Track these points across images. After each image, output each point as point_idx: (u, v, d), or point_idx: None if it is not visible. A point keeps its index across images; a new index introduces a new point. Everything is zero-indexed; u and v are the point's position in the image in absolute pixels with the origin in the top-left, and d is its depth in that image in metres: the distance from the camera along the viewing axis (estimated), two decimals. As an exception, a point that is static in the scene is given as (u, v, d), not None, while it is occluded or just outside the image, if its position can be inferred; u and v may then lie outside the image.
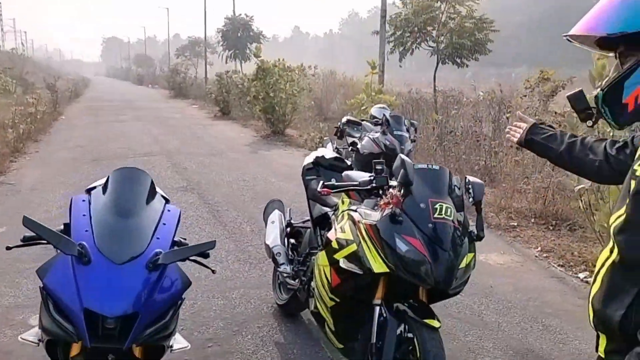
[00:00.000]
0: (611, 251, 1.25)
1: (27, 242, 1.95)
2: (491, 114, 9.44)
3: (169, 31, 51.84)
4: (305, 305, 3.08)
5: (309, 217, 3.25)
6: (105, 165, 8.38)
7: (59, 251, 1.84)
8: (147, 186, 2.00)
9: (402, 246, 2.14)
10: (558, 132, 1.95)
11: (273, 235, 3.32)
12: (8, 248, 1.94)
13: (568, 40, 1.42)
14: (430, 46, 13.39)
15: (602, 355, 1.27)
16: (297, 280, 3.08)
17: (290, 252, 3.32)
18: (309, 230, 3.26)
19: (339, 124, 6.69)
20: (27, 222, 1.74)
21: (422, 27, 12.93)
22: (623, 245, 1.20)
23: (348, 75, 20.55)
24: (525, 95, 8.59)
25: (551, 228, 5.71)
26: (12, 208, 6.09)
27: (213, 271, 2.11)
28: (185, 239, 2.08)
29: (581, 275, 4.52)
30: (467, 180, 2.37)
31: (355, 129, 6.58)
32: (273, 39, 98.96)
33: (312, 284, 2.77)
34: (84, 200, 1.94)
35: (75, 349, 1.82)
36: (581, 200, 4.69)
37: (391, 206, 2.23)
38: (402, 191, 2.24)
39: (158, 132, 12.93)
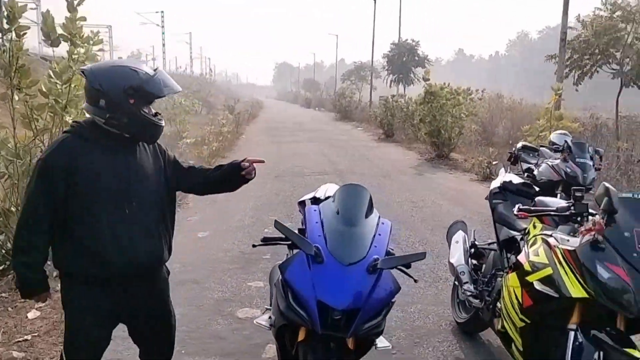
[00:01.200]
0: None
1: (266, 242, 2.39)
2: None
3: (337, 57, 54.50)
4: (486, 325, 3.19)
5: (491, 240, 3.36)
6: (287, 181, 9.22)
7: (293, 251, 2.23)
8: (367, 201, 2.32)
9: (604, 273, 2.18)
10: None
11: (457, 254, 3.48)
12: (254, 246, 2.39)
13: None
14: (613, 69, 12.47)
15: None
16: (480, 300, 3.20)
17: (473, 272, 3.45)
18: (492, 252, 3.37)
19: (514, 149, 6.61)
20: (278, 225, 2.15)
21: (604, 49, 12.11)
22: None
23: (516, 99, 19.81)
24: None
25: None
26: (211, 216, 7.00)
27: (415, 280, 2.36)
28: (393, 250, 2.36)
29: None
30: None
31: (531, 155, 6.45)
32: (436, 61, 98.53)
33: (499, 304, 2.88)
34: (315, 210, 2.31)
35: (302, 335, 2.17)
36: None
37: (592, 233, 2.28)
38: (605, 219, 2.28)
39: (328, 152, 13.75)
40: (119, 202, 2.14)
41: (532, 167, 6.24)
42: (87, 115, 2.20)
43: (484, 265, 3.48)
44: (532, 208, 2.60)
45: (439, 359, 3.37)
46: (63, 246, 2.15)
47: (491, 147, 13.75)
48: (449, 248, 3.67)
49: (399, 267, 2.27)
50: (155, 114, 2.24)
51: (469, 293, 3.26)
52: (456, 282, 3.59)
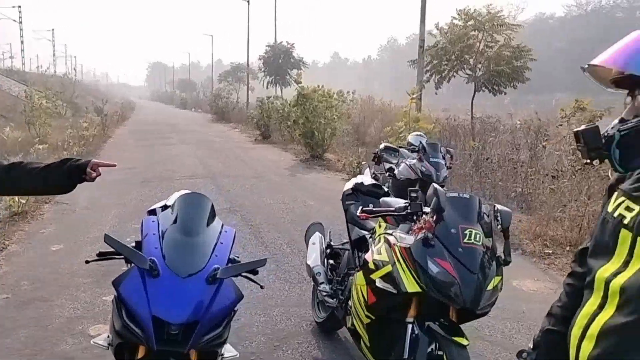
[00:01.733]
0: (601, 307, 1.24)
1: (102, 256, 2.25)
2: (528, 141, 9.49)
3: (212, 57, 53.56)
4: (343, 323, 3.29)
5: (347, 240, 3.48)
6: (154, 187, 8.84)
7: (130, 265, 2.12)
8: (209, 209, 2.27)
9: (433, 268, 2.34)
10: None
11: (314, 256, 3.56)
12: (87, 262, 2.23)
13: (582, 69, 1.37)
14: (467, 74, 13.56)
15: None
16: (335, 299, 3.30)
17: (329, 272, 3.54)
18: (347, 251, 3.49)
19: (377, 150, 6.93)
20: (108, 239, 2.03)
21: (459, 56, 13.13)
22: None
23: (385, 100, 20.82)
24: (561, 125, 8.64)
25: (587, 256, 5.74)
26: (67, 227, 6.50)
27: (261, 286, 2.35)
28: (238, 257, 2.33)
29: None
30: (495, 208, 2.55)
31: (392, 155, 6.80)
32: (313, 64, 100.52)
33: (350, 302, 2.98)
34: (153, 221, 2.22)
35: (141, 352, 2.07)
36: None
37: (424, 231, 2.44)
38: (434, 217, 2.45)
39: (202, 155, 13.44)
40: None
41: (393, 166, 6.58)
42: None
43: (340, 265, 3.59)
44: (374, 209, 2.72)
45: (298, 360, 3.42)
46: None
47: (364, 147, 14.33)
48: (307, 250, 3.74)
49: (244, 274, 2.25)
50: None
51: (324, 293, 3.35)
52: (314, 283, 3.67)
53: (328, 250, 3.68)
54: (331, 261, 3.67)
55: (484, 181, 8.84)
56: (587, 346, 1.23)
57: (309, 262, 3.55)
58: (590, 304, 1.29)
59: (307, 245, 3.79)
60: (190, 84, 65.54)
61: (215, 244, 2.17)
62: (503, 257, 2.49)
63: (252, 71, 34.85)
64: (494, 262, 2.44)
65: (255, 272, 2.28)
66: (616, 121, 1.33)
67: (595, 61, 1.31)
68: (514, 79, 12.85)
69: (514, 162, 8.88)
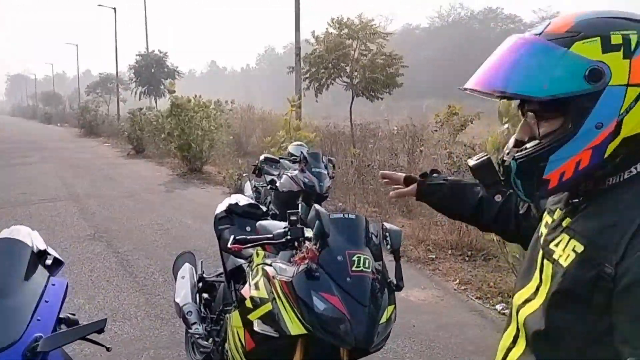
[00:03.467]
0: (515, 340, 1.13)
1: None
2: (405, 146, 9.67)
3: (79, 68, 49.83)
4: (221, 367, 2.85)
5: (222, 270, 3.05)
6: (6, 214, 7.70)
7: None
8: (27, 258, 1.74)
9: (319, 304, 2.00)
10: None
11: (183, 292, 3.08)
12: None
13: (463, 90, 1.14)
14: (344, 81, 13.67)
15: None
16: (210, 341, 2.85)
17: (203, 310, 3.08)
18: (222, 284, 3.06)
19: (257, 162, 6.57)
20: None
21: (336, 63, 13.20)
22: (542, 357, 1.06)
23: (266, 109, 20.56)
24: (436, 130, 8.90)
25: (467, 259, 5.82)
26: None
27: (108, 349, 1.86)
28: (74, 315, 1.82)
29: (498, 307, 4.58)
30: (384, 228, 2.28)
31: (273, 166, 6.48)
32: (189, 73, 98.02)
33: (226, 345, 2.56)
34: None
35: None
36: (494, 232, 4.79)
37: (307, 261, 2.09)
38: (318, 244, 2.12)
39: (66, 175, 12.16)
40: None
41: (275, 178, 6.26)
42: None
43: (216, 299, 3.15)
44: (248, 238, 2.32)
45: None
46: None
47: (246, 157, 13.88)
48: (175, 285, 3.25)
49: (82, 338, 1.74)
50: None
51: (197, 335, 2.88)
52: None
53: (200, 284, 3.22)
54: (205, 295, 3.21)
55: (367, 188, 8.82)
56: None
57: (177, 300, 3.05)
58: (508, 335, 1.17)
59: (175, 279, 3.29)
60: (56, 97, 60.59)
61: (37, 305, 1.65)
62: (395, 282, 2.22)
63: (123, 81, 32.88)
64: (386, 290, 2.16)
65: (100, 331, 1.78)
66: (511, 143, 1.11)
67: (471, 84, 1.07)
68: (389, 85, 13.16)
69: (394, 167, 8.97)
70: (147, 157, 16.13)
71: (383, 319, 2.08)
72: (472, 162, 1.17)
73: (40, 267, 1.78)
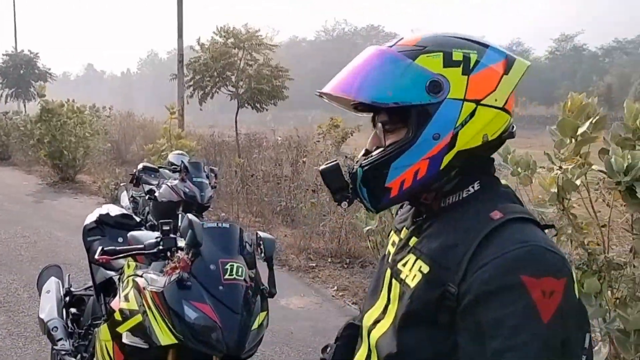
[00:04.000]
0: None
1: None
2: (290, 157, 9.84)
3: None
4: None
5: (92, 283, 2.92)
6: None
7: None
8: None
9: (190, 313, 2.01)
10: None
11: (49, 307, 2.90)
12: None
13: (320, 96, 1.19)
14: (230, 91, 13.60)
15: None
16: (78, 357, 2.72)
17: (70, 325, 2.93)
18: (92, 297, 2.93)
19: (135, 171, 6.34)
20: None
21: (222, 72, 13.10)
22: None
23: (147, 116, 19.81)
24: (319, 141, 9.15)
25: (345, 266, 6.06)
26: None
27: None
28: None
29: (373, 310, 4.82)
30: (258, 236, 2.34)
31: (152, 175, 6.28)
32: (63, 76, 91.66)
33: (95, 360, 2.46)
34: None
35: None
36: (369, 240, 5.06)
37: (179, 271, 2.09)
38: (190, 253, 2.13)
39: None
40: None
41: (154, 188, 6.08)
42: None
43: (85, 314, 3.00)
44: (117, 249, 2.26)
45: None
46: None
47: (125, 166, 13.26)
48: (40, 300, 3.06)
49: None
50: None
51: (63, 352, 2.73)
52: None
53: (67, 298, 3.06)
54: (73, 310, 3.05)
55: (251, 197, 8.84)
56: None
57: (42, 316, 2.87)
58: (359, 357, 1.16)
59: (40, 294, 3.10)
60: None
61: None
62: (268, 288, 2.29)
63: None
64: (259, 297, 2.22)
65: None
66: (361, 153, 1.15)
67: (327, 89, 1.11)
68: (274, 97, 13.30)
69: (278, 178, 9.08)
70: (14, 164, 14.85)
71: (255, 325, 2.13)
72: (322, 166, 1.17)
73: None
